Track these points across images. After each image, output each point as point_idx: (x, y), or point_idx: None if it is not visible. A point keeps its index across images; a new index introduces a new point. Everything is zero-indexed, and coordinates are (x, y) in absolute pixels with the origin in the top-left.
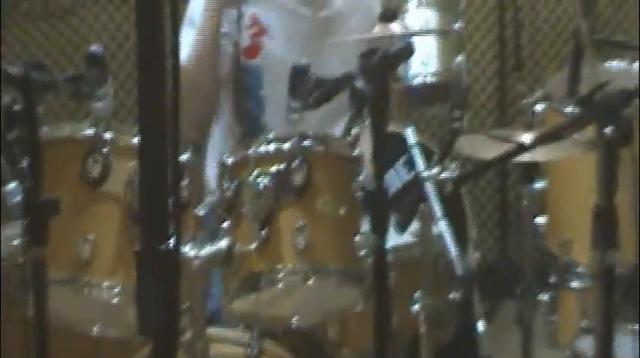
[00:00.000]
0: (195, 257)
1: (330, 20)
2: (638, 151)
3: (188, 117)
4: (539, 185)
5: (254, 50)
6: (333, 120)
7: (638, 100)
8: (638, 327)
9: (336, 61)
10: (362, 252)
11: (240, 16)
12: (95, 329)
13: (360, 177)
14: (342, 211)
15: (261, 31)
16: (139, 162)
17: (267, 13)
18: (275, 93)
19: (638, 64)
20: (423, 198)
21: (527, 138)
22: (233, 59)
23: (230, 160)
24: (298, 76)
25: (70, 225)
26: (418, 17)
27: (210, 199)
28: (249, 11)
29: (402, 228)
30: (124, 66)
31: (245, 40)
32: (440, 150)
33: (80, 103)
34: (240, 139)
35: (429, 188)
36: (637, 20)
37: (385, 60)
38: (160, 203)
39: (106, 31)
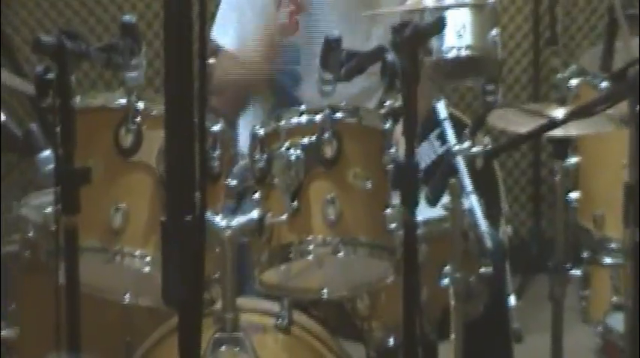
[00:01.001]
0: (227, 227)
1: None
2: None
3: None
4: (572, 160)
5: (291, 27)
6: (370, 95)
7: None
8: None
9: (375, 35)
10: (392, 225)
11: None
12: (126, 297)
13: (392, 150)
14: (372, 184)
15: (298, 8)
16: (165, 132)
17: None
18: (311, 69)
19: None
20: (454, 171)
21: (560, 112)
22: (268, 37)
23: (262, 131)
24: (330, 47)
25: (102, 194)
26: None
27: (241, 170)
28: None
29: (433, 201)
30: (160, 35)
31: (283, 18)
32: (473, 124)
33: (115, 72)
34: (271, 111)
35: (461, 161)
36: None
37: (416, 33)
38: (186, 173)
39: (142, 0)
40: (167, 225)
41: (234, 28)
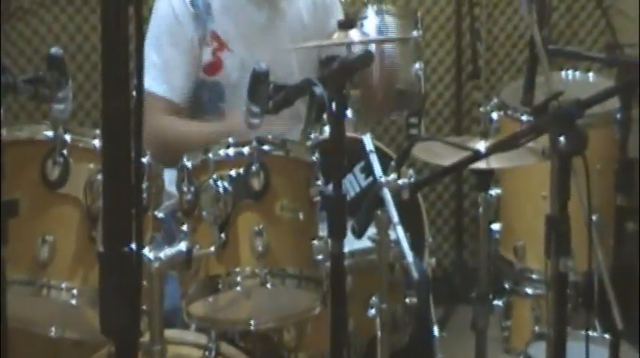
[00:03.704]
0: (155, 259)
1: (285, 26)
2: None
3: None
4: (494, 192)
5: (215, 66)
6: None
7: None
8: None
9: (295, 66)
10: (319, 257)
11: (204, 35)
12: (52, 330)
13: (319, 182)
14: (300, 215)
15: (221, 46)
16: (103, 165)
17: (226, 28)
18: (235, 104)
19: (591, 74)
20: (380, 203)
21: (482, 145)
22: (193, 74)
23: (190, 164)
24: (258, 80)
25: (29, 227)
26: (377, 24)
27: (169, 202)
28: (209, 29)
29: (359, 233)
30: (83, 67)
31: (206, 57)
32: (398, 156)
33: (38, 104)
34: None
35: (387, 193)
36: (591, 32)
37: (344, 67)
38: (123, 205)
39: (65, 32)
40: (104, 256)
41: (155, 68)
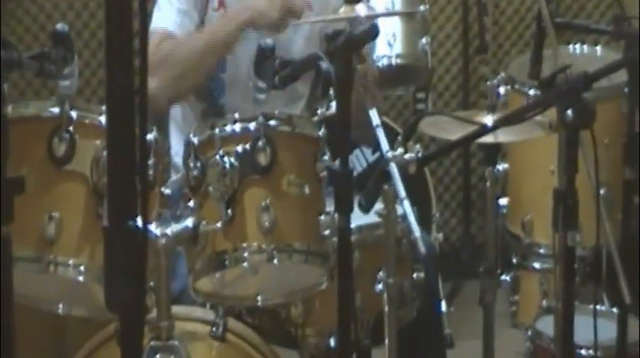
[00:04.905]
0: (161, 235)
1: None
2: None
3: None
4: (501, 166)
5: None
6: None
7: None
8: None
9: (300, 42)
10: (326, 232)
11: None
12: (60, 307)
13: (325, 157)
14: (306, 191)
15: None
16: (107, 140)
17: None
18: (235, 78)
19: (599, 47)
20: (387, 178)
21: (490, 119)
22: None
23: (196, 139)
24: (264, 56)
25: (36, 204)
26: None
27: (175, 178)
28: None
29: (367, 208)
30: (90, 44)
31: (210, 22)
32: (405, 131)
33: (44, 81)
34: (200, 116)
35: (393, 168)
36: (598, 5)
37: (350, 41)
38: (127, 180)
39: (71, 10)
40: (109, 232)
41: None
